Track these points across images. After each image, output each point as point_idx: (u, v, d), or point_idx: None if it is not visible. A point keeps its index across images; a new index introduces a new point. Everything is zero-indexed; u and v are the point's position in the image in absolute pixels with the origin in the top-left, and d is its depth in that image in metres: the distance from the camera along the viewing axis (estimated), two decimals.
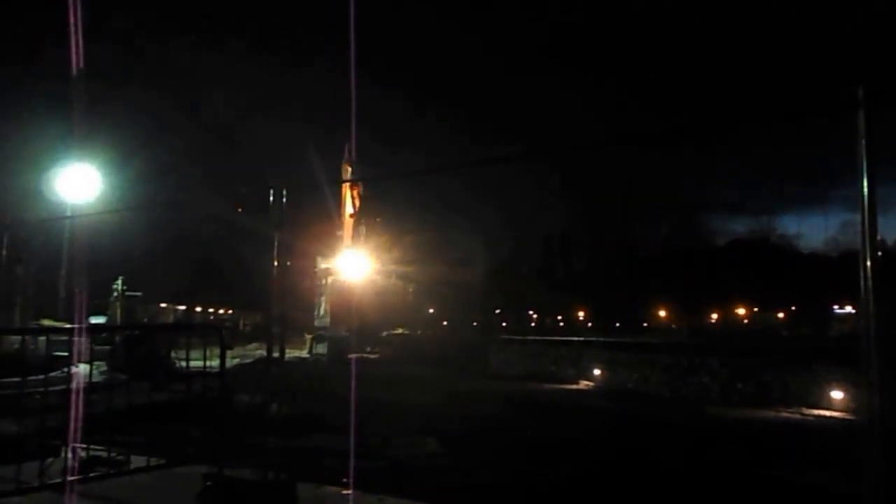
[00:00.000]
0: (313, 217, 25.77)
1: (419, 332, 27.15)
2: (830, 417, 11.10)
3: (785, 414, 11.54)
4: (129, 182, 21.62)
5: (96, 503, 3.39)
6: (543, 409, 11.52)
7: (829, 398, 11.80)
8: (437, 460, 6.19)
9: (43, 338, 5.08)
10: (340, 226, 30.54)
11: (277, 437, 3.81)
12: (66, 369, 4.25)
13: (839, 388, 11.67)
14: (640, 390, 15.13)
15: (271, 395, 4.20)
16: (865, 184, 1.86)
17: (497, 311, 65.89)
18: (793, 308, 61.58)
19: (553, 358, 19.18)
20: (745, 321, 61.94)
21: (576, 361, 18.14)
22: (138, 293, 26.99)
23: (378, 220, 30.64)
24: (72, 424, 3.69)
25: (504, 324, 60.89)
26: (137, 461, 3.90)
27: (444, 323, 51.10)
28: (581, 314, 67.37)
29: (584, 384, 16.68)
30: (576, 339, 27.18)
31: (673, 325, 62.95)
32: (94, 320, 18.51)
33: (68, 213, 15.76)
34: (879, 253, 1.85)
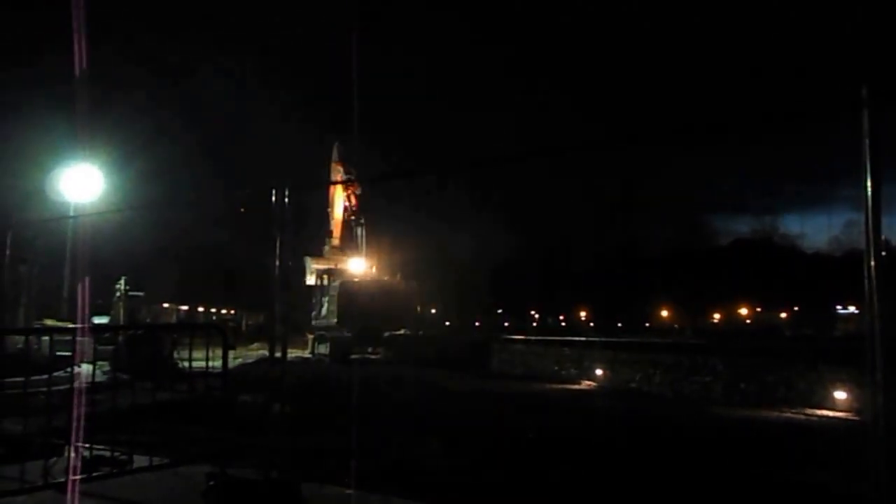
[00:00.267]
0: (307, 216, 25.81)
1: (421, 332, 27.12)
2: (834, 418, 11.06)
3: (788, 414, 11.50)
4: (131, 182, 21.71)
5: (100, 502, 3.40)
6: (546, 409, 11.51)
7: (833, 398, 11.76)
8: (440, 460, 6.20)
9: (46, 338, 5.10)
10: (329, 225, 30.46)
11: (280, 437, 3.81)
12: (69, 369, 4.26)
13: (843, 388, 11.62)
14: (642, 390, 15.10)
15: (274, 394, 4.21)
16: (869, 183, 1.86)
17: (499, 312, 65.85)
18: (796, 308, 61.40)
19: (555, 358, 19.15)
20: (748, 321, 61.77)
21: (578, 361, 18.11)
22: (141, 293, 27.07)
23: (377, 220, 30.58)
24: (75, 424, 3.71)
25: (506, 324, 60.85)
26: (140, 461, 3.91)
27: (447, 323, 51.07)
28: (583, 314, 67.27)
29: (586, 384, 16.66)
30: (578, 339, 27.13)
31: (675, 325, 62.84)
32: (97, 320, 18.56)
33: (71, 213, 15.82)
34: (883, 253, 1.85)
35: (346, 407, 8.34)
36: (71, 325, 8.47)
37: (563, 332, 46.26)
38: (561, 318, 68.16)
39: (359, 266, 28.87)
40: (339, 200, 29.99)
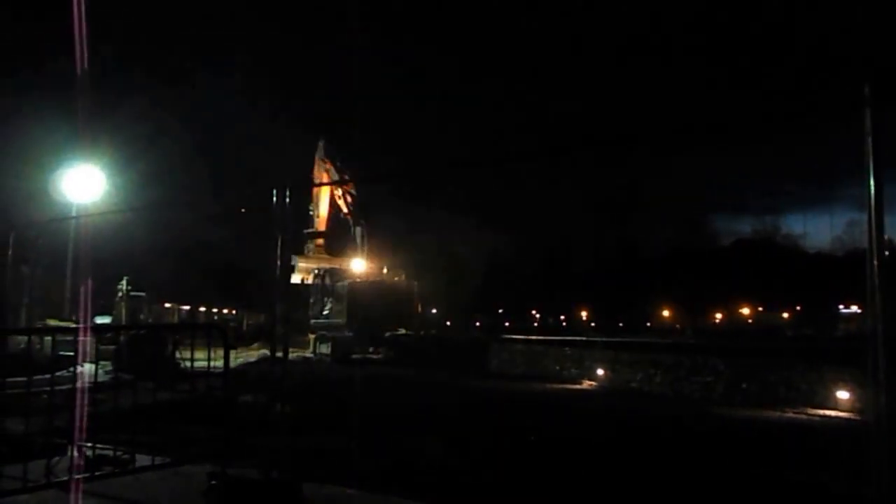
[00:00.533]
0: (299, 216, 25.72)
1: (422, 332, 27.13)
2: (836, 418, 11.04)
3: (790, 414, 11.48)
4: (133, 183, 21.76)
5: (102, 501, 3.41)
6: (546, 409, 11.51)
7: (835, 398, 11.73)
8: (441, 460, 6.20)
9: (49, 337, 5.11)
10: (313, 224, 30.20)
11: (281, 437, 3.82)
12: (71, 369, 4.27)
13: (845, 388, 11.59)
14: (643, 390, 15.09)
15: (275, 394, 4.22)
16: (872, 182, 1.85)
17: (500, 312, 65.77)
18: (798, 308, 61.27)
19: (556, 358, 19.14)
20: (750, 321, 61.64)
21: (579, 361, 18.10)
22: (143, 293, 27.12)
23: (376, 220, 30.43)
24: (78, 423, 3.72)
25: (507, 324, 60.81)
26: (143, 460, 3.92)
27: (448, 323, 51.07)
28: (584, 314, 67.21)
29: (587, 384, 16.64)
30: (579, 338, 27.10)
31: (676, 325, 62.73)
32: (100, 320, 18.59)
33: (73, 214, 15.86)
34: (887, 252, 1.84)
35: (347, 407, 8.35)
36: (73, 325, 8.49)
37: (564, 332, 46.25)
38: (562, 318, 68.09)
39: (359, 266, 28.81)
40: (325, 199, 29.66)
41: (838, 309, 51.49)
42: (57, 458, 3.68)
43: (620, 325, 57.76)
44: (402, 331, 24.67)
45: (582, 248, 69.56)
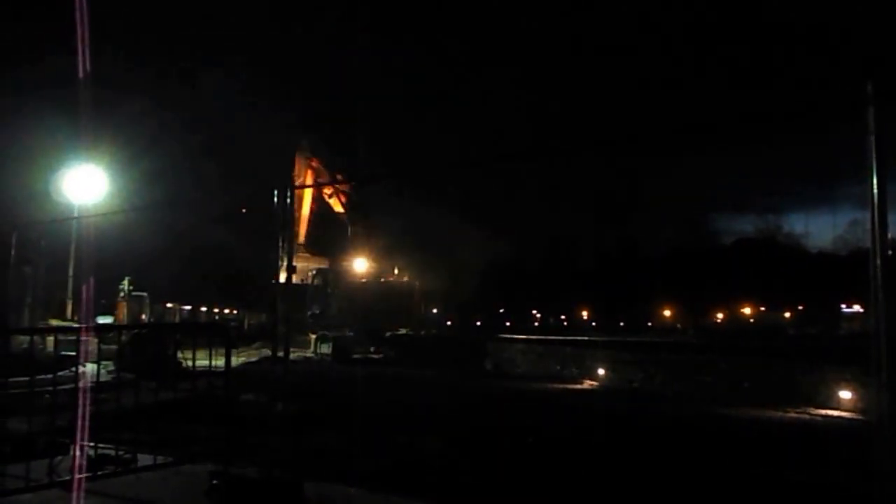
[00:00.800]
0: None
1: (422, 332, 27.12)
2: (839, 417, 11.01)
3: (792, 414, 11.46)
4: (134, 183, 21.79)
5: (104, 500, 3.42)
6: (547, 409, 11.50)
7: (838, 398, 11.71)
8: (441, 460, 6.20)
9: (51, 337, 5.12)
10: (295, 223, 30.06)
11: (283, 436, 3.82)
12: (73, 368, 4.28)
13: (847, 387, 11.57)
14: (644, 390, 15.07)
15: (276, 394, 4.22)
16: (875, 181, 1.84)
17: (500, 311, 65.76)
18: (800, 307, 61.14)
19: (557, 357, 19.14)
20: (752, 320, 61.51)
21: (580, 361, 18.09)
22: (144, 293, 27.16)
23: (376, 220, 30.36)
24: (80, 423, 3.72)
25: (507, 323, 60.80)
26: (145, 459, 3.93)
27: (448, 323, 51.10)
28: (585, 314, 67.15)
29: (588, 384, 16.63)
30: (580, 338, 27.09)
31: (678, 325, 62.66)
32: (102, 320, 18.63)
33: (75, 214, 15.90)
34: (890, 251, 1.83)
35: (348, 406, 8.35)
36: (75, 325, 8.51)
37: (565, 331, 46.25)
38: (562, 317, 68.06)
39: (360, 265, 28.82)
40: (307, 199, 29.47)
41: (841, 308, 51.35)
42: (59, 458, 3.69)
43: (621, 324, 57.73)
44: (403, 330, 24.68)
45: (583, 248, 69.57)
